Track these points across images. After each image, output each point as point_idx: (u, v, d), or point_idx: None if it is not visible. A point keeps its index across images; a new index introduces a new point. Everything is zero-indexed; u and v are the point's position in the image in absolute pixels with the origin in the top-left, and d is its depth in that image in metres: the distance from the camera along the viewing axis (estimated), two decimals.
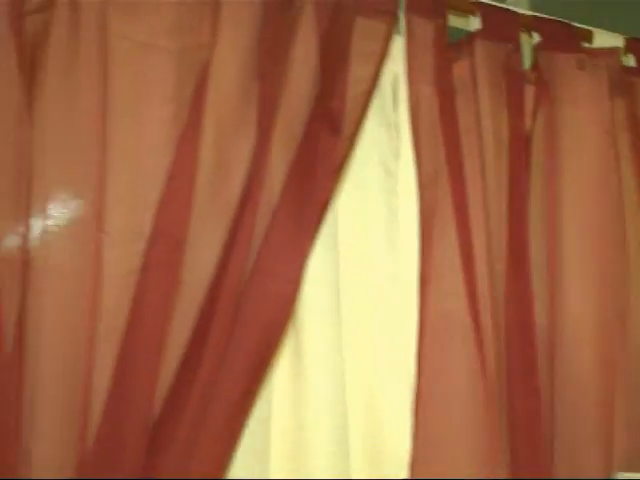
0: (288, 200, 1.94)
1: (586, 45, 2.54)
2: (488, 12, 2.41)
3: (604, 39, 2.54)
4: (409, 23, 2.25)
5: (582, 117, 2.40)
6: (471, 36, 2.36)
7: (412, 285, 2.15)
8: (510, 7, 2.47)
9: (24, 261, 1.76)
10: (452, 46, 2.33)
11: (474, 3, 2.39)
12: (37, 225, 1.80)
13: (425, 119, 2.21)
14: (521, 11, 2.50)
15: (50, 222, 1.80)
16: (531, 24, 2.51)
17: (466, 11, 2.40)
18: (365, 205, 2.20)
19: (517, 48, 2.41)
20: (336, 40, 2.08)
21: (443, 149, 2.19)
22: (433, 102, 2.22)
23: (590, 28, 2.55)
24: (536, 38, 2.51)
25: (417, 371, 2.12)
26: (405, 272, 2.18)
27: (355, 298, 2.16)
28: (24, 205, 1.77)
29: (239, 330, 1.85)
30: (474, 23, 2.39)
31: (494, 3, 2.46)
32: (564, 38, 2.49)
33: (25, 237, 1.77)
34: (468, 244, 2.16)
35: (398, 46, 2.25)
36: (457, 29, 2.38)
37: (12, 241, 1.75)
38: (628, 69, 2.61)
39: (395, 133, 2.24)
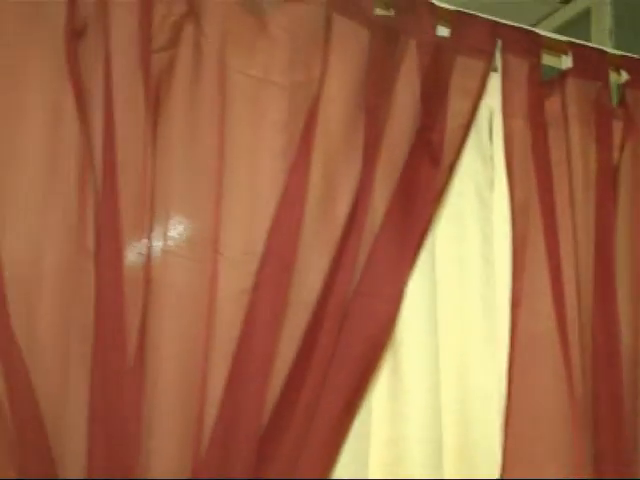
0: (390, 226, 1.94)
1: None
2: (579, 51, 2.38)
3: None
4: (505, 62, 2.25)
5: None
6: (563, 74, 2.34)
7: (504, 308, 2.14)
8: (599, 46, 2.48)
9: (146, 279, 1.77)
10: (545, 83, 2.30)
11: (566, 43, 2.37)
12: (158, 245, 1.81)
13: (518, 151, 2.19)
14: (609, 50, 2.51)
15: (170, 243, 1.82)
16: (619, 63, 2.48)
17: (558, 50, 2.37)
18: (461, 232, 2.19)
19: (606, 85, 2.38)
20: (437, 76, 2.08)
21: (535, 180, 2.17)
22: (526, 135, 2.20)
23: None
24: (624, 76, 2.48)
25: (508, 389, 2.09)
26: (498, 295, 2.17)
27: (451, 320, 2.15)
28: (147, 226, 1.78)
29: (342, 348, 1.85)
30: (566, 62, 2.37)
31: (585, 43, 2.46)
32: None
33: (147, 256, 1.78)
34: (557, 269, 2.13)
35: (494, 83, 2.23)
36: (550, 67, 2.38)
37: (135, 260, 1.77)
38: None
39: (490, 164, 2.24)
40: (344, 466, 1.92)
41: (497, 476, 2.07)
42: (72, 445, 1.69)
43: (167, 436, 1.75)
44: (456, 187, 2.19)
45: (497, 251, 2.20)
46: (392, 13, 2.14)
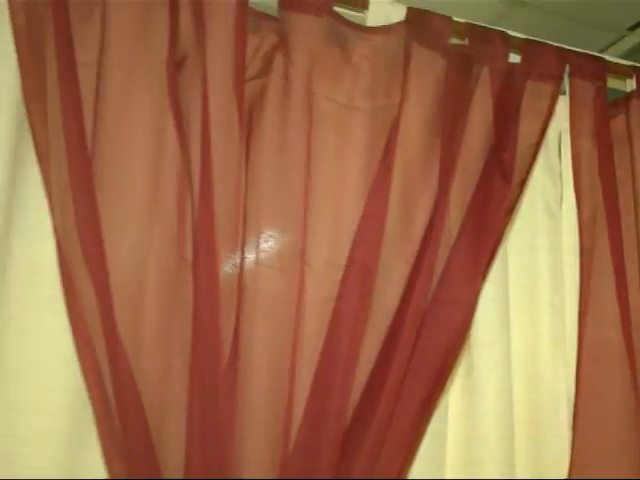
0: (465, 239, 1.92)
1: None
2: None
3: None
4: (573, 85, 2.21)
5: None
6: (627, 96, 2.30)
7: (573, 314, 2.09)
8: None
9: (239, 288, 1.76)
10: (610, 105, 2.26)
11: (630, 67, 2.33)
12: (250, 257, 1.81)
13: (585, 169, 2.13)
14: None
15: (261, 254, 1.82)
16: None
17: (623, 74, 2.31)
18: (532, 243, 2.16)
19: None
20: (508, 100, 2.04)
21: (601, 195, 2.13)
22: (593, 154, 2.14)
23: None
24: None
25: (576, 392, 2.04)
26: (567, 303, 2.13)
27: (522, 325, 2.11)
28: (240, 240, 1.78)
29: (420, 352, 1.82)
30: (630, 85, 2.34)
31: None
32: None
33: (240, 267, 1.78)
34: (623, 279, 2.08)
35: (563, 105, 2.20)
36: (615, 90, 2.35)
37: (229, 270, 1.76)
38: None
39: (559, 181, 2.20)
40: (422, 462, 1.90)
41: (565, 476, 2.03)
42: (172, 443, 1.68)
43: (258, 435, 1.74)
44: (527, 202, 2.16)
45: (566, 261, 2.15)
46: (466, 42, 2.12)
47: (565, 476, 2.01)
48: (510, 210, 1.99)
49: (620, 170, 2.18)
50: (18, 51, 1.76)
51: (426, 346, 1.83)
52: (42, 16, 1.77)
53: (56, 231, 1.70)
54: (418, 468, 1.89)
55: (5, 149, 1.78)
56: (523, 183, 2.03)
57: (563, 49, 2.23)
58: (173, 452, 1.68)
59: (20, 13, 1.77)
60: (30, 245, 1.79)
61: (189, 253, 1.75)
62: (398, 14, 2.08)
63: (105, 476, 1.67)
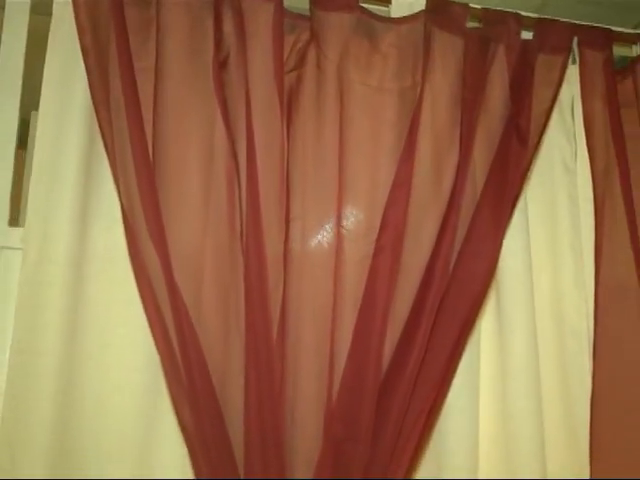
0: (488, 196, 1.84)
1: None
2: None
3: None
4: (582, 54, 2.10)
5: None
6: (633, 60, 2.17)
7: (590, 257, 2.01)
8: None
9: (285, 256, 1.73)
10: (618, 70, 2.15)
11: (635, 34, 2.18)
12: (294, 226, 1.78)
13: (597, 127, 2.04)
14: None
15: (304, 224, 1.79)
16: None
17: (629, 41, 2.19)
18: (551, 194, 2.05)
19: None
20: (522, 73, 1.93)
21: (612, 150, 2.02)
22: (603, 114, 2.05)
23: None
24: None
25: (595, 329, 1.95)
26: (585, 247, 2.03)
27: (544, 267, 2.01)
28: (285, 210, 1.75)
29: (450, 300, 1.75)
30: (636, 50, 2.19)
31: None
32: None
33: (285, 236, 1.74)
34: (634, 223, 1.97)
35: (574, 72, 2.10)
36: (622, 56, 2.26)
37: (277, 241, 1.73)
38: None
39: (573, 139, 2.09)
40: (457, 397, 1.83)
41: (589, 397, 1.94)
42: (233, 401, 1.65)
43: (306, 387, 1.70)
44: (545, 159, 2.05)
45: (582, 209, 2.04)
46: (482, 25, 2.03)
47: (589, 397, 1.94)
48: (527, 169, 1.89)
49: (628, 128, 2.10)
50: (85, 59, 1.77)
51: (455, 295, 1.74)
52: (104, 20, 1.77)
53: (124, 213, 1.69)
54: (453, 401, 1.84)
55: (80, 147, 1.78)
56: (538, 144, 1.92)
57: (571, 24, 2.12)
58: (234, 408, 1.65)
59: (84, 17, 1.79)
60: (106, 229, 1.77)
61: (238, 226, 1.71)
62: (419, 4, 2.01)
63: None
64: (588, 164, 2.06)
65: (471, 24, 2.04)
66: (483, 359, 1.88)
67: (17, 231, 1.78)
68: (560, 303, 1.98)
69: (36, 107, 1.80)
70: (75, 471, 1.69)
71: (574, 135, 2.11)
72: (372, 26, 1.97)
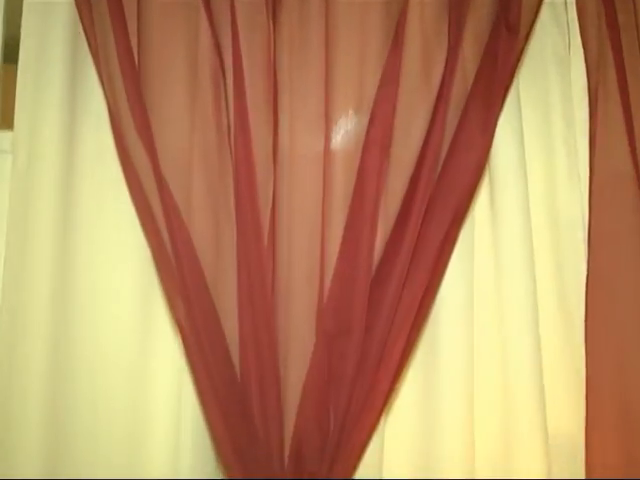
0: (478, 89, 1.79)
1: None
2: None
3: None
4: None
5: None
6: None
7: (583, 145, 1.98)
8: None
9: (274, 156, 1.71)
10: None
11: None
12: (283, 125, 1.74)
13: (591, 17, 1.97)
14: None
15: (291, 120, 1.75)
16: None
17: None
18: (543, 85, 2.01)
19: None
20: None
21: (607, 40, 1.96)
22: (597, 3, 1.97)
23: None
24: None
25: (589, 220, 1.94)
26: (578, 137, 2.00)
27: (536, 158, 1.98)
28: (273, 109, 1.72)
29: (440, 193, 1.72)
30: None
31: None
32: None
33: (274, 131, 1.72)
34: (629, 111, 1.93)
35: None
36: None
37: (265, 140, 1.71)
38: None
39: (566, 30, 2.03)
40: (451, 287, 1.83)
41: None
42: (226, 298, 1.65)
43: (298, 284, 1.69)
44: (537, 50, 2.01)
45: (575, 100, 2.01)
46: None
47: (584, 286, 1.93)
48: (517, 60, 1.84)
49: (622, 18, 2.05)
50: None
51: (446, 187, 1.71)
52: None
53: (111, 113, 1.67)
54: (448, 292, 1.84)
55: (66, 47, 1.77)
56: (528, 35, 1.87)
57: None
58: (228, 308, 1.65)
59: None
60: (95, 129, 1.77)
61: (225, 122, 1.69)
62: None
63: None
64: (582, 54, 2.00)
65: None
66: (477, 250, 1.88)
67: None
68: (554, 193, 1.97)
69: None
70: (69, 380, 1.73)
71: (567, 25, 2.05)
72: None
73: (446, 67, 1.79)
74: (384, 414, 1.74)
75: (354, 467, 1.69)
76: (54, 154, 1.72)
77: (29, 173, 1.72)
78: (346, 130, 1.77)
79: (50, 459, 1.70)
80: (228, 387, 1.60)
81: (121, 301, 1.74)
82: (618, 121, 1.95)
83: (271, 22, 1.75)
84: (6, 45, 1.90)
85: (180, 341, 1.66)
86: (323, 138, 1.74)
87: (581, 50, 2.01)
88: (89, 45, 1.71)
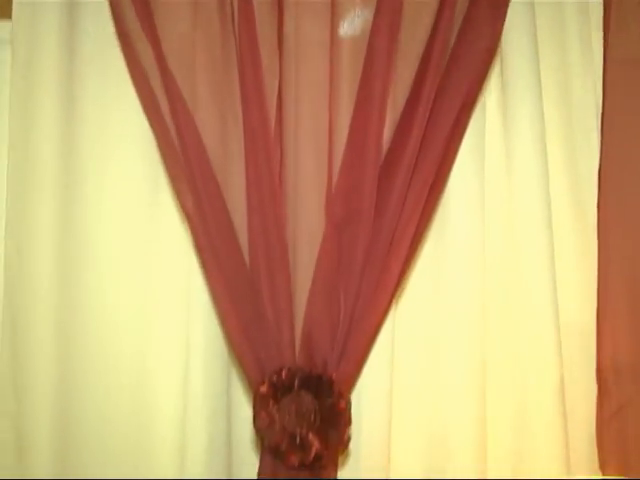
0: None
1: None
2: None
3: None
4: None
5: None
6: None
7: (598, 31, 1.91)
8: None
9: (279, 38, 1.67)
10: None
11: None
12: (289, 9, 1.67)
13: None
14: None
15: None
16: None
17: None
18: None
19: None
20: None
21: None
22: None
23: None
24: None
25: (603, 104, 1.91)
26: (592, 19, 1.95)
27: (549, 39, 1.94)
28: None
29: (450, 79, 1.67)
30: None
31: None
32: None
33: (279, 19, 1.67)
34: None
35: None
36: None
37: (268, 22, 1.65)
38: None
39: None
40: (461, 176, 1.81)
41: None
42: (234, 187, 1.63)
43: (306, 171, 1.66)
44: None
45: None
46: None
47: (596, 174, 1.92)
48: None
49: None
50: None
51: (455, 72, 1.66)
52: None
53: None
54: (458, 183, 1.83)
55: None
56: None
57: None
58: (236, 197, 1.63)
59: None
60: (96, 18, 1.74)
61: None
62: None
63: None
64: None
65: None
66: (488, 136, 1.86)
67: None
68: (567, 80, 1.94)
69: None
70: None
71: None
72: None
73: None
74: (394, 301, 1.71)
75: (365, 355, 1.69)
76: (54, 45, 1.70)
77: (29, 64, 1.69)
78: (353, 16, 1.71)
79: (61, 393, 1.73)
80: (238, 275, 1.58)
81: (128, 192, 1.75)
82: (632, 5, 1.89)
83: None
84: None
85: (188, 231, 1.66)
86: (330, 24, 1.68)
87: None
88: None
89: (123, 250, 1.73)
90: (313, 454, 1.55)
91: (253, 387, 1.57)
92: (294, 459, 1.55)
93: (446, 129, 1.67)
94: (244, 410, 1.73)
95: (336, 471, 1.63)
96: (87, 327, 1.74)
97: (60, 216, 1.71)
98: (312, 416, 1.56)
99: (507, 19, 1.75)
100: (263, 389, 1.56)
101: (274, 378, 1.56)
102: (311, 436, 1.55)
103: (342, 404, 1.57)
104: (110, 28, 1.69)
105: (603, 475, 1.90)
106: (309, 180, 1.65)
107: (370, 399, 1.73)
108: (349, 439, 1.61)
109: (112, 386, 1.73)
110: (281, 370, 1.56)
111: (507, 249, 1.86)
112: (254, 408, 1.56)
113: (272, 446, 1.56)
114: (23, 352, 1.71)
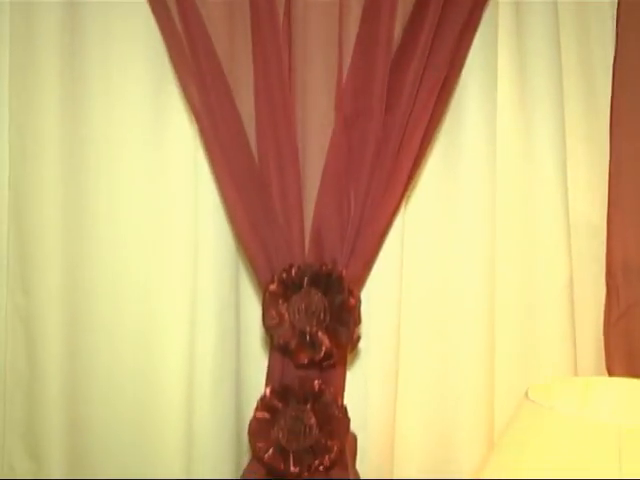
0: None
1: None
2: None
3: None
4: None
5: None
6: None
7: None
8: None
9: None
10: None
11: None
12: None
13: None
14: None
15: None
16: None
17: None
18: None
19: None
20: None
21: None
22: None
23: None
24: None
25: None
26: None
27: None
28: None
29: None
30: None
31: None
32: None
33: None
34: None
35: None
36: None
37: None
38: None
39: None
40: (471, 72, 1.76)
41: None
42: (242, 82, 1.58)
43: (315, 67, 1.60)
44: None
45: None
46: None
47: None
48: None
49: None
50: None
51: None
52: None
53: None
54: (470, 78, 1.78)
55: None
56: None
57: None
58: (245, 91, 1.58)
59: None
60: None
61: None
62: None
63: None
64: None
65: None
66: (500, 34, 1.82)
67: None
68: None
69: None
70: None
71: None
72: None
73: None
74: (404, 201, 1.68)
75: (374, 254, 1.68)
76: None
77: None
78: None
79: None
80: (247, 172, 1.56)
81: (134, 89, 1.71)
82: None
83: None
84: None
85: (196, 127, 1.63)
86: None
87: None
88: None
89: (129, 150, 1.70)
90: (323, 352, 1.53)
91: (262, 285, 1.54)
92: (303, 357, 1.54)
93: (458, 25, 1.62)
94: (253, 308, 1.69)
95: (345, 369, 1.62)
96: (95, 231, 1.72)
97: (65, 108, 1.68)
98: (322, 314, 1.54)
99: None
100: (272, 287, 1.54)
101: (284, 276, 1.54)
102: (321, 334, 1.54)
103: (352, 302, 1.55)
104: None
105: (610, 376, 1.89)
106: (318, 75, 1.60)
107: (379, 300, 1.71)
108: (359, 338, 1.60)
109: (120, 285, 1.71)
110: (291, 268, 1.54)
111: (519, 148, 1.82)
112: (263, 306, 1.54)
113: (281, 344, 1.54)
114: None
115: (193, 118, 1.61)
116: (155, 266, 1.71)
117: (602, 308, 1.91)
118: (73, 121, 1.68)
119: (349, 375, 1.64)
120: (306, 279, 1.53)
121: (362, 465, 1.66)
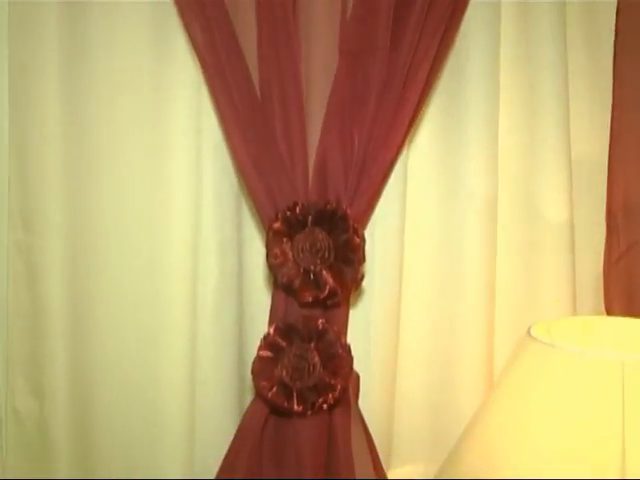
0: None
1: None
2: None
3: None
4: None
5: None
6: None
7: None
8: None
9: None
10: None
11: None
12: None
13: None
14: None
15: None
16: None
17: None
18: None
19: None
20: None
21: None
22: None
23: None
24: None
25: None
26: None
27: None
28: None
29: None
30: None
31: None
32: None
33: None
34: None
35: None
36: None
37: None
38: None
39: None
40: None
41: None
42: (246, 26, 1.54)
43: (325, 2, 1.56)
44: None
45: None
46: None
47: None
48: None
49: None
50: None
51: None
52: None
53: None
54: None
55: None
56: None
57: None
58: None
59: None
60: None
61: None
62: None
63: None
64: None
65: None
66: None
67: None
68: None
69: None
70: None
71: None
72: None
73: None
74: (408, 138, 1.67)
75: (378, 192, 1.66)
76: None
77: None
78: None
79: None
80: (249, 108, 1.53)
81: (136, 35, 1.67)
82: None
83: None
84: None
85: (198, 64, 1.59)
86: None
87: None
88: None
89: (130, 90, 1.67)
90: (327, 291, 1.52)
91: (265, 224, 1.53)
92: (308, 295, 1.53)
93: None
94: (256, 245, 1.69)
95: (348, 308, 1.61)
96: (97, 167, 1.70)
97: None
98: (326, 252, 1.53)
99: None
100: (276, 225, 1.53)
101: (287, 214, 1.52)
102: (325, 272, 1.53)
103: (356, 240, 1.54)
104: None
105: (608, 315, 1.90)
106: (323, 9, 1.57)
107: (383, 238, 1.71)
108: (362, 277, 1.59)
109: (122, 222, 1.70)
110: (295, 206, 1.52)
111: (522, 82, 1.83)
112: (267, 245, 1.53)
113: (285, 283, 1.54)
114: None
115: (196, 55, 1.57)
116: (157, 201, 1.68)
117: (602, 247, 1.90)
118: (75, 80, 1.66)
119: (352, 315, 1.62)
120: (310, 217, 1.52)
121: (364, 404, 1.65)
